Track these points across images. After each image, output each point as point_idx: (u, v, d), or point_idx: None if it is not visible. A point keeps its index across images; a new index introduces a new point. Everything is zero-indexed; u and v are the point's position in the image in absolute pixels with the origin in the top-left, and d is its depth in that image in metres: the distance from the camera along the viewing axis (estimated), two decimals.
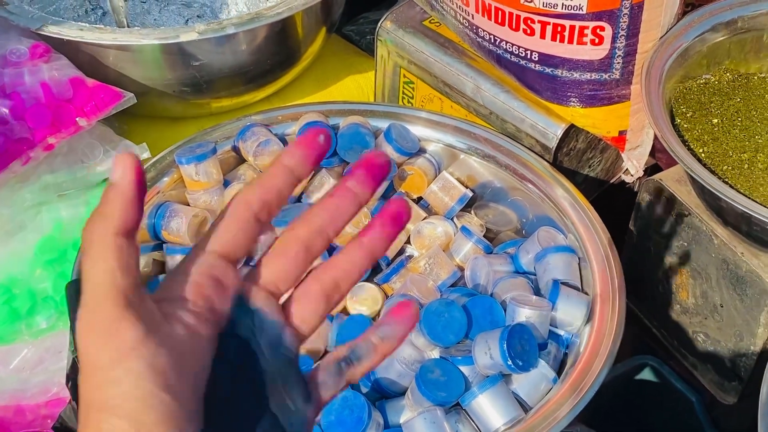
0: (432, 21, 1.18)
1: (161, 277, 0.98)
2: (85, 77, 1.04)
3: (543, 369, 0.83)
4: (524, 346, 0.81)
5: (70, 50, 1.09)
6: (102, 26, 1.09)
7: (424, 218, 1.06)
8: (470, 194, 1.07)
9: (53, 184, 1.03)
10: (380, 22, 1.20)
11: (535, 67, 1.01)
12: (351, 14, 1.45)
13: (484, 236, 1.05)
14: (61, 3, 1.25)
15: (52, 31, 1.07)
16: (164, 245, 1.00)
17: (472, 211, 1.10)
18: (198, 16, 1.26)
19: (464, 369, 0.85)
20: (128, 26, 1.13)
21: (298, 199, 1.05)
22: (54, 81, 1.01)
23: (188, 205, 1.03)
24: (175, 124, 1.25)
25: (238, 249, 0.47)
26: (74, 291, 0.88)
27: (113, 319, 0.41)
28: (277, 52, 1.20)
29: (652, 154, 1.09)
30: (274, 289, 0.47)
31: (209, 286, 0.45)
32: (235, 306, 0.46)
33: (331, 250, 1.01)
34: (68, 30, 1.07)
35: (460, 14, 1.05)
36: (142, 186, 0.44)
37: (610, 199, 1.17)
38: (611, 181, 1.19)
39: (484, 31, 1.03)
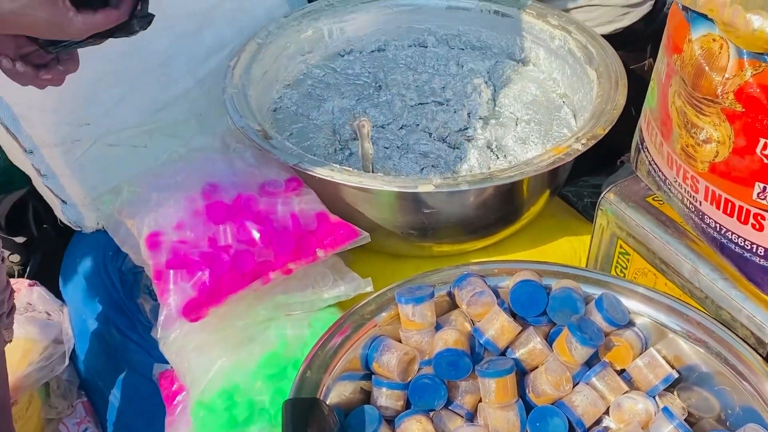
0: (656, 198, 1.20)
1: (366, 406, 1.03)
2: (328, 213, 1.15)
3: None
4: None
5: (316, 184, 1.21)
6: (350, 168, 1.21)
7: (626, 392, 1.06)
8: (676, 375, 1.07)
9: (285, 304, 1.13)
10: (604, 192, 1.24)
11: (759, 261, 1.01)
12: (571, 176, 1.51)
13: (685, 420, 1.04)
14: (315, 140, 1.39)
15: (307, 168, 1.19)
16: (372, 376, 1.06)
17: (675, 393, 1.09)
18: (433, 166, 1.35)
19: None
20: (373, 171, 1.24)
21: (503, 353, 1.09)
22: (302, 213, 1.12)
23: (400, 341, 1.10)
24: (395, 260, 1.34)
25: None
26: (290, 409, 0.94)
27: None
28: (501, 209, 1.27)
29: None
30: None
31: None
32: None
33: (529, 408, 1.04)
34: (320, 169, 1.19)
35: (688, 199, 1.07)
36: None
37: None
38: None
39: (710, 218, 1.05)
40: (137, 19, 0.90)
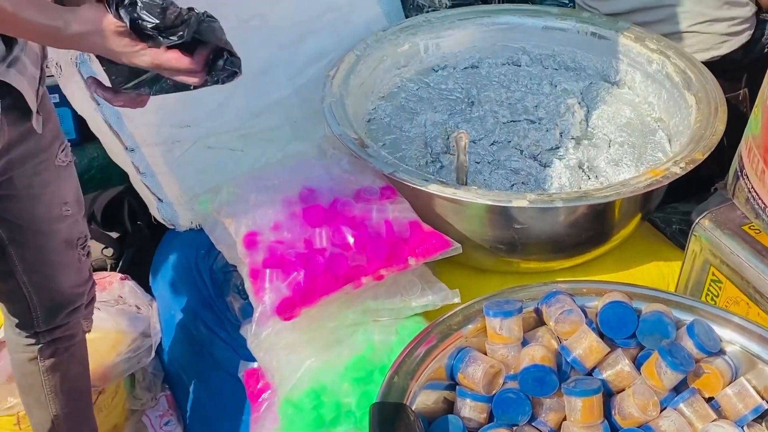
0: (752, 227, 1.19)
1: (450, 416, 1.04)
2: (421, 222, 1.17)
3: None
4: None
5: (408, 193, 1.23)
6: (443, 180, 1.22)
7: (714, 420, 1.04)
8: (766, 406, 1.05)
9: (373, 309, 1.14)
10: (698, 219, 1.23)
11: None
12: (661, 202, 1.50)
13: None
14: (407, 152, 1.41)
15: (402, 177, 1.21)
16: (457, 387, 1.07)
17: (764, 424, 1.07)
18: (523, 183, 1.36)
19: None
20: (466, 184, 1.26)
21: (590, 373, 1.08)
22: (396, 221, 1.14)
23: (486, 354, 1.10)
24: (480, 274, 1.34)
25: None
26: (377, 413, 0.96)
27: None
28: (591, 228, 1.27)
29: None
30: None
31: None
32: None
33: (614, 430, 1.03)
34: (415, 179, 1.21)
35: None
36: None
37: None
38: None
39: None
40: (213, 72, 0.94)
